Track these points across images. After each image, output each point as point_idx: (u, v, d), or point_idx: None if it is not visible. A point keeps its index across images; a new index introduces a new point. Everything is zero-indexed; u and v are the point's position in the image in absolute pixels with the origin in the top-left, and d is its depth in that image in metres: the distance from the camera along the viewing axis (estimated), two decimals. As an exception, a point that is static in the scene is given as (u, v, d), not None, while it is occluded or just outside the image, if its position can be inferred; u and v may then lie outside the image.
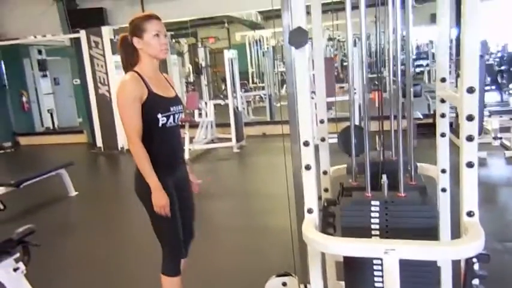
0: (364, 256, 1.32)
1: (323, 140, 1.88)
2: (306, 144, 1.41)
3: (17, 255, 1.98)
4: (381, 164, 1.60)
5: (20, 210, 4.26)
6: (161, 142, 1.79)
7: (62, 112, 10.50)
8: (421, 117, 5.92)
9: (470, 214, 1.31)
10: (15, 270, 1.94)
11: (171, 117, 1.81)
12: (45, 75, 10.41)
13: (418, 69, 12.44)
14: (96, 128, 7.27)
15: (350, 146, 1.61)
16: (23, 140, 8.84)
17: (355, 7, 1.46)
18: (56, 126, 10.40)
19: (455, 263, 1.60)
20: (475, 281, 1.33)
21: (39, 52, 10.19)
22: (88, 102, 7.35)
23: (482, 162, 4.50)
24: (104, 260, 3.08)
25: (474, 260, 1.28)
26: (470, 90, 1.24)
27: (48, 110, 10.36)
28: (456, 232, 1.71)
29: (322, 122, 1.88)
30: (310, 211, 1.44)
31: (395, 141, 1.78)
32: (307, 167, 1.43)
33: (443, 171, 1.78)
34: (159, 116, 1.76)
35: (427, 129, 4.34)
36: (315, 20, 1.84)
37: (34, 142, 8.72)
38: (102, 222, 3.95)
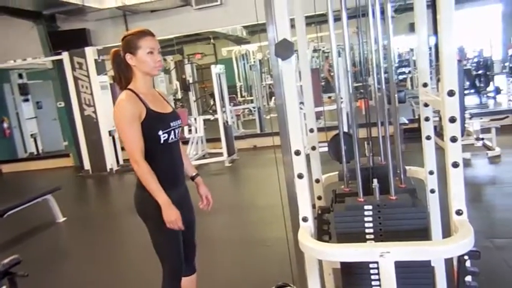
0: (361, 261, 1.35)
1: (314, 148, 1.91)
2: (297, 153, 1.44)
3: (4, 287, 1.93)
4: (370, 169, 1.64)
5: (5, 240, 4.12)
6: (163, 159, 1.78)
7: (46, 136, 10.35)
8: (407, 122, 6.04)
9: (459, 213, 1.35)
10: (2, 302, 1.89)
11: (172, 132, 1.81)
12: (26, 100, 10.23)
13: (401, 77, 12.72)
14: (83, 151, 7.18)
15: (340, 154, 1.65)
16: (6, 168, 8.66)
17: (337, 19, 1.52)
18: (40, 150, 10.24)
19: (448, 263, 1.63)
20: (468, 278, 1.37)
21: (20, 76, 10.05)
22: (73, 125, 7.27)
23: (466, 163, 4.60)
24: (101, 285, 3.01)
25: (466, 257, 1.32)
26: (451, 93, 1.30)
27: (31, 135, 10.19)
28: (447, 231, 1.76)
29: (311, 131, 1.92)
30: (305, 219, 1.46)
31: (384, 147, 1.84)
32: (300, 176, 1.46)
33: (431, 172, 1.83)
34: (160, 132, 1.75)
35: (413, 134, 4.43)
36: (299, 32, 1.89)
37: (17, 169, 8.54)
38: (93, 248, 3.86)
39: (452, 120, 1.31)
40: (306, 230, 1.43)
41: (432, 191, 1.83)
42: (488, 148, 4.89)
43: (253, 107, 9.16)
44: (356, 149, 1.54)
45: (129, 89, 1.76)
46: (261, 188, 5.07)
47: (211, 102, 8.38)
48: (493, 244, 2.67)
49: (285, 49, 1.37)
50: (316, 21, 2.85)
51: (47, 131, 10.30)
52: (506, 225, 2.99)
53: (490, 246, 2.64)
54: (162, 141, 1.76)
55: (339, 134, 1.67)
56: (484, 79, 9.44)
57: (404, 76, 12.79)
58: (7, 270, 1.93)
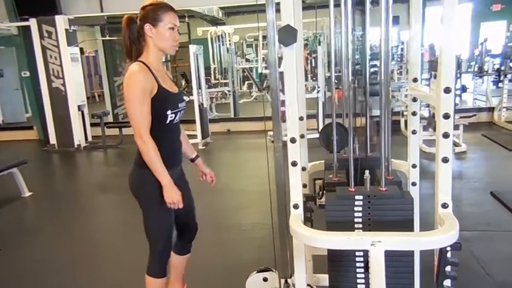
0: (352, 249, 1.38)
1: (302, 136, 1.92)
2: (293, 141, 1.45)
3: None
4: (359, 160, 1.67)
5: (-34, 212, 3.96)
6: (165, 138, 1.73)
7: (7, 106, 9.83)
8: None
9: (444, 206, 1.41)
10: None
11: (178, 114, 1.77)
12: (-13, 67, 9.68)
13: (372, 69, 12.94)
14: (49, 124, 6.86)
15: (331, 143, 1.66)
16: (-37, 137, 8.17)
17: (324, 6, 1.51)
18: (0, 121, 9.71)
19: (423, 252, 1.71)
20: (448, 268, 1.44)
21: (-20, 41, 9.44)
22: (39, 97, 6.91)
23: (433, 158, 4.79)
24: (66, 264, 2.93)
25: (448, 248, 1.38)
26: (447, 90, 1.33)
27: (-9, 104, 9.67)
28: (424, 223, 1.84)
29: (301, 119, 1.91)
30: (296, 207, 1.48)
31: (370, 139, 1.88)
32: (294, 164, 1.46)
33: (414, 166, 1.89)
34: (169, 112, 1.69)
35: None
36: (296, 17, 1.86)
37: (-24, 139, 8.09)
38: (61, 223, 3.75)
39: (446, 116, 1.34)
40: (297, 217, 1.44)
41: (414, 184, 1.89)
42: (455, 144, 5.11)
43: (228, 91, 9.08)
44: (351, 139, 1.56)
45: (141, 61, 1.66)
46: (235, 173, 5.07)
47: (183, 83, 8.18)
48: (461, 236, 2.80)
49: (288, 35, 1.36)
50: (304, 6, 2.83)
51: (8, 101, 9.77)
52: (472, 218, 3.16)
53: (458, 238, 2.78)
54: (168, 121, 1.71)
55: (332, 123, 1.68)
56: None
57: (375, 69, 13.05)
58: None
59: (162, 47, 1.69)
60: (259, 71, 10.59)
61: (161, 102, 1.67)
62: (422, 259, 1.83)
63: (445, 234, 1.28)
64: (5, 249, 3.14)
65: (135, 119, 1.62)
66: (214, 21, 12.49)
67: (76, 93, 6.81)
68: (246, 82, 12.16)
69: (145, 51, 1.69)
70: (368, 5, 1.68)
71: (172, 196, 1.67)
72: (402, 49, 9.93)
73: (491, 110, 6.87)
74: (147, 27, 1.65)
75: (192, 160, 2.03)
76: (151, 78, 1.65)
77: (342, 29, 1.66)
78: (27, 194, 4.46)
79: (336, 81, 6.43)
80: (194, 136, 6.30)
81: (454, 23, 1.29)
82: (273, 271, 1.89)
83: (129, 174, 1.79)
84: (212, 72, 11.71)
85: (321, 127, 5.75)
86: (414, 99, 1.85)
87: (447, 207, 1.40)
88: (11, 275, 2.78)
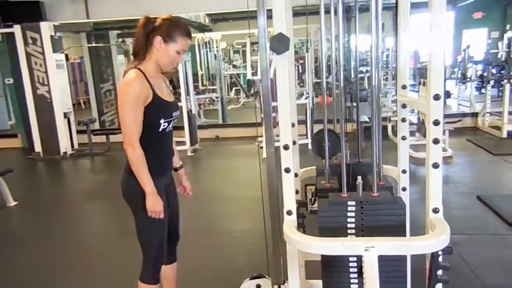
0: (346, 254, 1.39)
1: (294, 143, 1.92)
2: (286, 148, 1.45)
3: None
4: (351, 166, 1.68)
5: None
6: (157, 146, 1.73)
7: (-11, 114, 9.62)
8: (368, 120, 6.26)
9: (435, 211, 1.43)
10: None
11: (171, 122, 1.77)
12: (-31, 73, 9.47)
13: (359, 75, 13.08)
14: (34, 132, 6.73)
15: (323, 149, 1.68)
16: None
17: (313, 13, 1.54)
18: (-17, 129, 9.50)
19: (413, 255, 1.73)
20: (439, 272, 1.45)
21: (-38, 47, 9.24)
22: (24, 104, 6.78)
23: (421, 162, 4.86)
24: (57, 273, 2.87)
25: (440, 252, 1.40)
26: (436, 97, 1.36)
27: (-27, 112, 9.45)
28: (413, 228, 1.86)
29: (293, 125, 1.93)
30: (289, 213, 1.48)
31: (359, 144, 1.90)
32: (287, 170, 1.47)
33: (404, 171, 1.92)
34: (162, 121, 1.69)
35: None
36: (286, 24, 1.88)
37: (-42, 147, 7.87)
38: (47, 233, 3.67)
39: (436, 123, 1.37)
40: (291, 223, 1.45)
41: (404, 189, 1.92)
42: (442, 149, 5.19)
43: (216, 97, 9.07)
44: (343, 145, 1.57)
45: (139, 69, 1.66)
46: (225, 179, 5.05)
47: (171, 89, 8.15)
48: (450, 240, 2.84)
49: (280, 43, 1.37)
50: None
51: (-10, 109, 9.57)
52: (459, 222, 3.21)
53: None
54: (160, 129, 1.71)
55: (323, 129, 1.70)
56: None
57: (361, 75, 13.20)
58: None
59: (162, 63, 1.70)
60: (247, 77, 10.62)
61: (155, 110, 1.67)
62: (413, 263, 1.85)
63: (437, 239, 1.30)
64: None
65: (126, 126, 1.62)
66: (201, 28, 12.50)
67: (62, 100, 6.70)
68: (234, 88, 12.18)
69: (147, 58, 1.70)
70: (357, 12, 1.71)
71: (154, 205, 1.67)
72: (387, 55, 10.09)
73: (475, 115, 7.02)
74: (158, 39, 1.65)
75: (176, 169, 2.01)
76: (147, 86, 1.65)
77: (332, 36, 1.68)
78: (13, 203, 4.35)
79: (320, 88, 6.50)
80: (183, 143, 6.27)
81: (443, 30, 1.33)
82: (266, 278, 1.88)
83: (120, 180, 1.78)
84: (200, 79, 11.69)
85: (309, 133, 5.80)
86: (403, 106, 1.88)
87: (438, 211, 1.42)
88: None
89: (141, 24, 1.67)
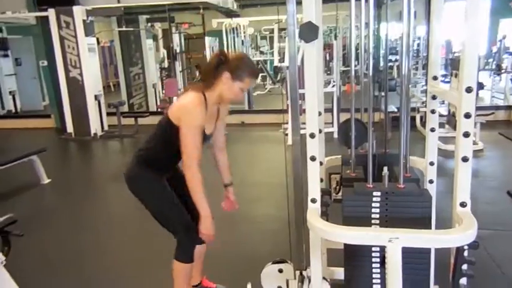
0: (369, 244, 1.40)
1: (320, 131, 1.93)
2: (312, 136, 1.46)
3: (-3, 245, 1.90)
4: (377, 156, 1.68)
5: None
6: (175, 152, 1.79)
7: (24, 95, 10.01)
8: (396, 110, 6.14)
9: (463, 204, 1.41)
10: (-5, 260, 1.86)
11: None
12: (6, 55, 9.84)
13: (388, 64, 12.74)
14: (66, 113, 6.97)
15: (350, 139, 1.68)
16: (-18, 124, 8.37)
17: None
18: (18, 109, 9.90)
19: (438, 248, 1.71)
20: (464, 266, 1.45)
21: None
22: (57, 86, 7.02)
23: (450, 155, 4.73)
24: (86, 249, 3.02)
25: (465, 247, 1.39)
26: (469, 89, 1.33)
27: (10, 92, 9.84)
28: (439, 221, 1.84)
29: (319, 114, 1.92)
30: (313, 201, 1.50)
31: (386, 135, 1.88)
32: (312, 158, 1.48)
33: (432, 163, 1.89)
34: None
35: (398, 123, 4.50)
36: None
37: (-5, 126, 8.27)
38: (79, 210, 3.85)
39: (468, 116, 1.34)
40: (315, 211, 1.47)
41: (431, 182, 1.89)
42: (472, 142, 5.04)
43: (243, 83, 9.04)
44: (370, 135, 1.57)
45: (204, 95, 1.77)
46: (249, 165, 5.10)
47: (197, 74, 8.20)
48: (476, 235, 2.79)
49: (309, 31, 1.37)
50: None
51: (25, 90, 9.95)
52: (487, 217, 3.13)
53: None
54: None
55: (350, 119, 1.69)
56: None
57: (391, 64, 12.85)
58: (2, 228, 1.89)
59: (224, 96, 1.80)
60: (274, 63, 10.55)
61: None
62: (437, 255, 1.84)
63: (463, 233, 1.29)
64: (26, 234, 3.24)
65: (188, 149, 1.72)
66: (229, 13, 12.45)
67: (93, 83, 6.90)
68: (260, 74, 12.13)
69: (213, 87, 1.79)
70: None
71: (208, 229, 1.80)
72: (418, 44, 9.76)
73: (509, 108, 6.75)
74: (226, 75, 1.75)
75: (225, 185, 2.15)
76: (204, 116, 1.76)
77: (362, 23, 1.65)
78: (46, 181, 4.57)
79: (348, 76, 6.39)
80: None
81: (478, 20, 1.29)
82: (288, 263, 1.92)
83: (127, 169, 1.91)
84: (226, 64, 11.67)
85: (335, 121, 5.75)
86: (434, 97, 1.84)
87: (465, 206, 1.41)
88: (26, 259, 2.87)
89: (215, 55, 1.79)
